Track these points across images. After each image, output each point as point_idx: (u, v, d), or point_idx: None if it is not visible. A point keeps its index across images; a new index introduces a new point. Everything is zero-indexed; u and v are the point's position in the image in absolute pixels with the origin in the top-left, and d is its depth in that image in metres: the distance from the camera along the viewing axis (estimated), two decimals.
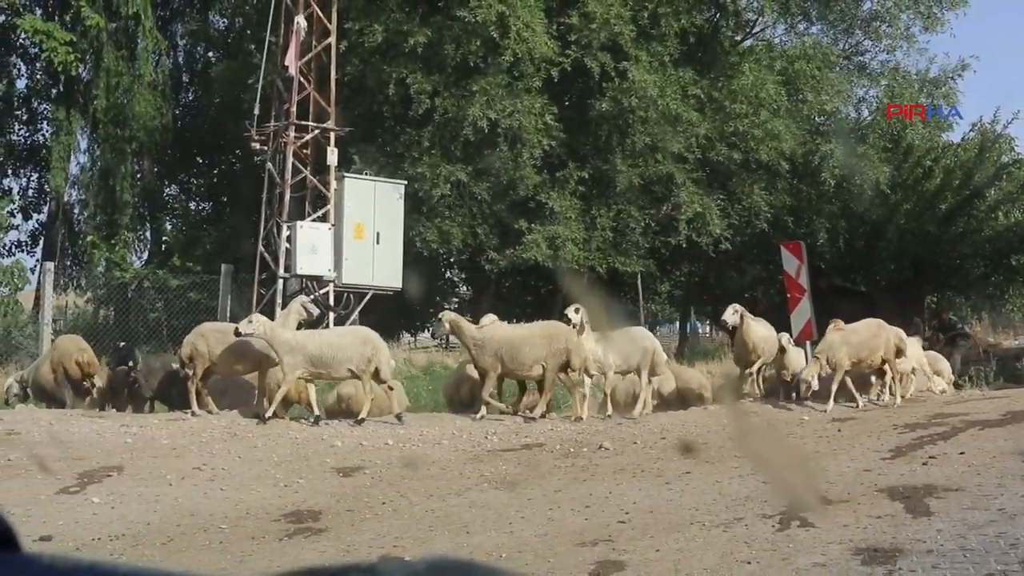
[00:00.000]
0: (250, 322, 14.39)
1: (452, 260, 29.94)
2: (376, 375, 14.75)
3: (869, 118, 28.51)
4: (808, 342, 17.59)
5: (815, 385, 15.51)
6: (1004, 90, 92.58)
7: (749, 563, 7.70)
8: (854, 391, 15.94)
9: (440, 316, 16.18)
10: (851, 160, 25.82)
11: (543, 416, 15.17)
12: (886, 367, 16.04)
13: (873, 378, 16.57)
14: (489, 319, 16.63)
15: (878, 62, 28.82)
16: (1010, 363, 21.82)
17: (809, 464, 11.26)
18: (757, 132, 24.80)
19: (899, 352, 16.18)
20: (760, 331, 17.14)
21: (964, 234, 29.28)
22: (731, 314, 17.05)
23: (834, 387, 15.54)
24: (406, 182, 22.87)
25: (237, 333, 14.34)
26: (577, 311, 16.04)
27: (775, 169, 25.82)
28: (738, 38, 27.64)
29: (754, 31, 28.34)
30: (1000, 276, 31.55)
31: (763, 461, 11.07)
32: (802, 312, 17.88)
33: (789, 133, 25.07)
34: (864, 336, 15.92)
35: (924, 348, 21.03)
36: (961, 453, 11.35)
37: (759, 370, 17.21)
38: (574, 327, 15.66)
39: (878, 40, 28.07)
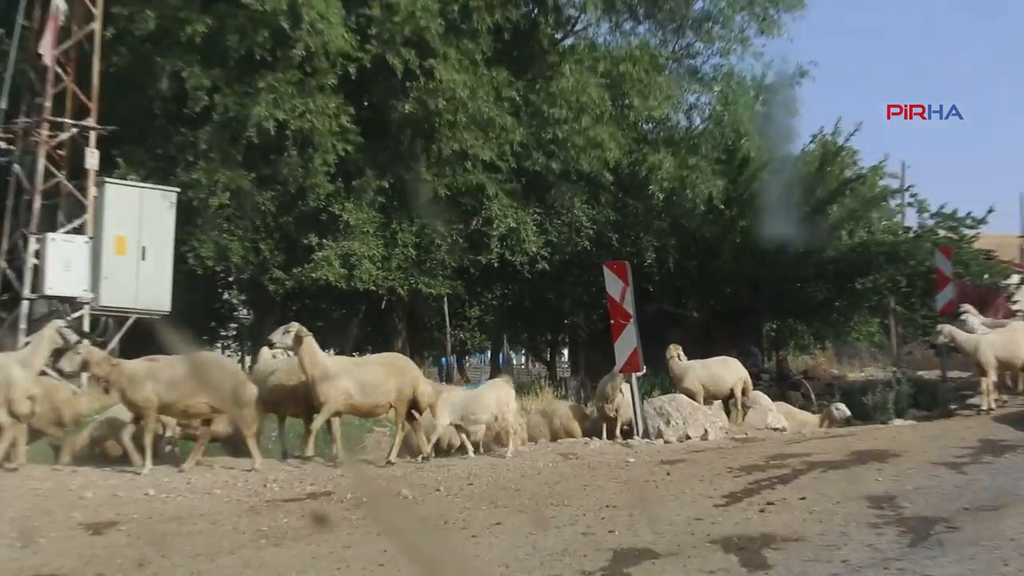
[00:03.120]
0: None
1: (231, 279, 28.97)
2: None
3: (701, 126, 28.83)
4: (635, 375, 17.32)
5: None
6: (843, 100, 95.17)
7: None
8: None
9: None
10: (682, 172, 25.80)
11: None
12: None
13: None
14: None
15: (711, 66, 28.87)
16: (856, 397, 21.58)
17: (442, 532, 10.49)
18: (578, 140, 24.55)
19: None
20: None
21: (805, 254, 29.18)
22: (280, 335, 15.52)
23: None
24: (178, 189, 22.06)
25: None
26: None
27: (598, 180, 25.69)
28: (558, 36, 27.15)
29: (576, 29, 27.90)
30: (844, 301, 31.65)
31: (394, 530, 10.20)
32: (627, 340, 17.42)
33: (613, 141, 24.86)
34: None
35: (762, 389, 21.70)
36: (802, 498, 11.47)
37: None
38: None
39: (711, 43, 27.85)
